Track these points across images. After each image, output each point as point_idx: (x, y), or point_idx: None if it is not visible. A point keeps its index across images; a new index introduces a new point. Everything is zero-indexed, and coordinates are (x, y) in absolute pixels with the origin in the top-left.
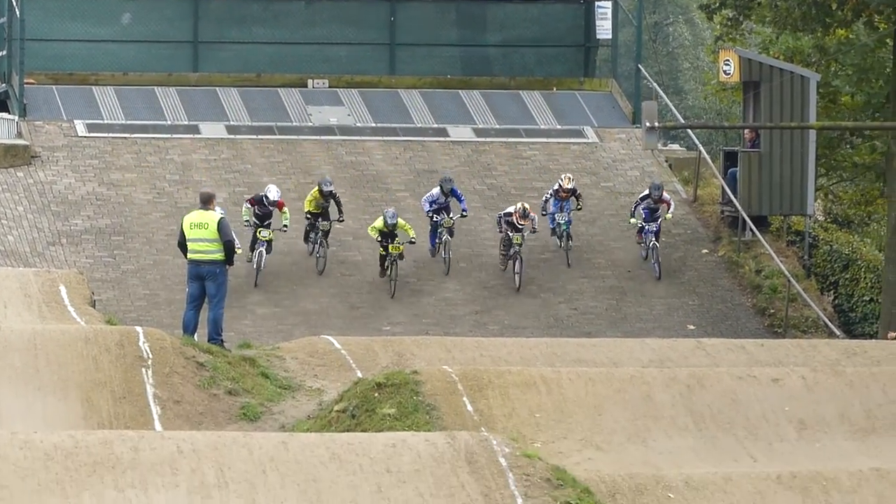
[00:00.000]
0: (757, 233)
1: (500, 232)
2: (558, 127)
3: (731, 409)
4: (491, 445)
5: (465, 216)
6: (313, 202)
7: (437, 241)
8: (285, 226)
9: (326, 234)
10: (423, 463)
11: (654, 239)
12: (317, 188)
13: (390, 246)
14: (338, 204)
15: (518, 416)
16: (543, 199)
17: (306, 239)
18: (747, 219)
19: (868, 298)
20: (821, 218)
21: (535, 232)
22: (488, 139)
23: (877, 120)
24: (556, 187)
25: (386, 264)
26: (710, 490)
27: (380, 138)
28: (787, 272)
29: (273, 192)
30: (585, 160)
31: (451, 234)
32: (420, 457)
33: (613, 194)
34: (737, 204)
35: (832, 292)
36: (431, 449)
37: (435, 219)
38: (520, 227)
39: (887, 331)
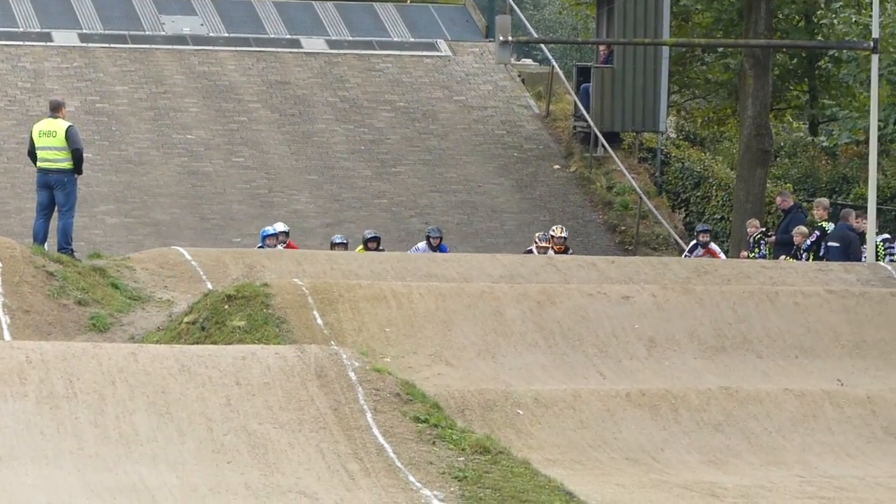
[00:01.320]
0: (609, 149)
1: None
2: (411, 40)
3: (581, 326)
4: (341, 359)
5: None
6: None
7: None
8: None
9: None
10: (273, 376)
11: None
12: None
13: None
14: None
15: (368, 331)
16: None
17: None
18: (599, 135)
19: (719, 216)
20: (673, 135)
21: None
22: (341, 51)
23: (728, 37)
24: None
25: None
26: (560, 407)
27: (233, 48)
28: (638, 189)
29: (280, 228)
30: (438, 74)
31: None
32: (270, 370)
33: (466, 108)
34: (589, 120)
35: (683, 210)
36: (281, 362)
37: None
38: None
39: (738, 249)
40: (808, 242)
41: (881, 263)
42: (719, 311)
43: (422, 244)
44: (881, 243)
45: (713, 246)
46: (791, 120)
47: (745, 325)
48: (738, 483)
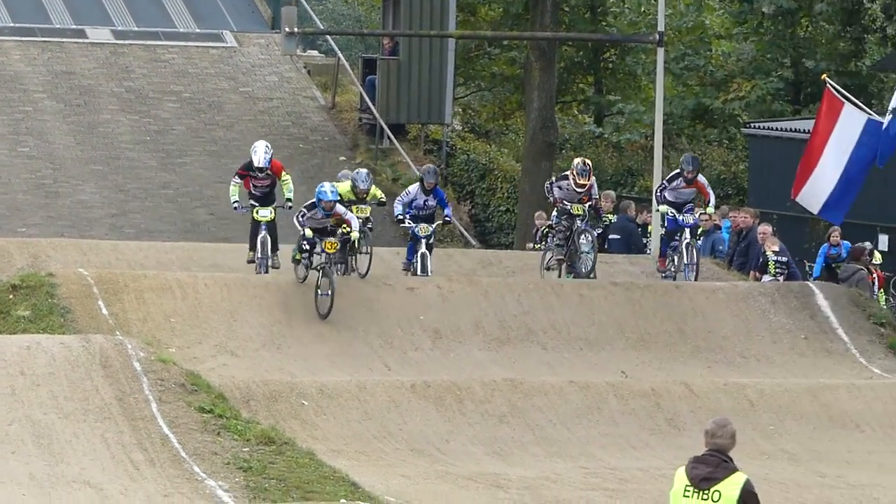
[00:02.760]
0: (394, 140)
1: (555, 204)
2: (197, 30)
3: (366, 317)
4: (126, 349)
5: (449, 223)
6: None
7: (413, 257)
8: (289, 200)
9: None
10: (58, 366)
11: (689, 236)
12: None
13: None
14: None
15: (153, 321)
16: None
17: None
18: (385, 126)
19: (504, 209)
20: (458, 127)
21: (597, 213)
22: (127, 41)
23: (514, 31)
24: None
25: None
26: (345, 398)
27: (18, 38)
28: None
29: (260, 152)
30: (224, 65)
31: (429, 248)
32: (55, 360)
33: (252, 99)
34: (374, 111)
35: (469, 201)
36: (66, 352)
37: (411, 228)
38: (579, 191)
39: (523, 241)
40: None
41: None
42: (504, 303)
43: (414, 187)
44: None
45: (702, 179)
46: (577, 112)
47: (530, 316)
48: (523, 474)
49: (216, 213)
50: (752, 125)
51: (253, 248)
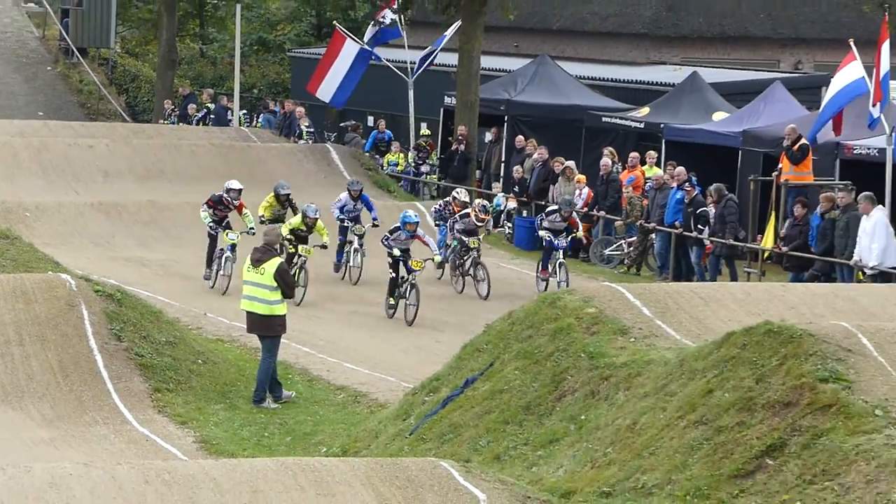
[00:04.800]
0: (80, 58)
1: (453, 239)
2: None
3: (64, 164)
4: None
5: (378, 226)
6: (269, 209)
7: (342, 257)
8: (251, 229)
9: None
10: None
11: (561, 256)
12: (272, 194)
13: (300, 247)
14: (293, 210)
15: None
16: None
17: None
18: (75, 49)
19: (147, 99)
20: (119, 50)
21: (489, 233)
22: None
23: None
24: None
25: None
26: (52, 211)
27: None
28: (98, 82)
29: (234, 186)
30: None
31: (361, 247)
32: None
33: None
34: (68, 40)
35: (125, 95)
36: None
37: (346, 224)
38: (479, 224)
39: (157, 118)
40: (199, 116)
41: (242, 128)
42: (146, 156)
43: (343, 195)
44: (242, 116)
45: (574, 214)
46: (190, 42)
47: (163, 163)
48: (160, 258)
49: None
50: (293, 50)
51: (210, 264)
